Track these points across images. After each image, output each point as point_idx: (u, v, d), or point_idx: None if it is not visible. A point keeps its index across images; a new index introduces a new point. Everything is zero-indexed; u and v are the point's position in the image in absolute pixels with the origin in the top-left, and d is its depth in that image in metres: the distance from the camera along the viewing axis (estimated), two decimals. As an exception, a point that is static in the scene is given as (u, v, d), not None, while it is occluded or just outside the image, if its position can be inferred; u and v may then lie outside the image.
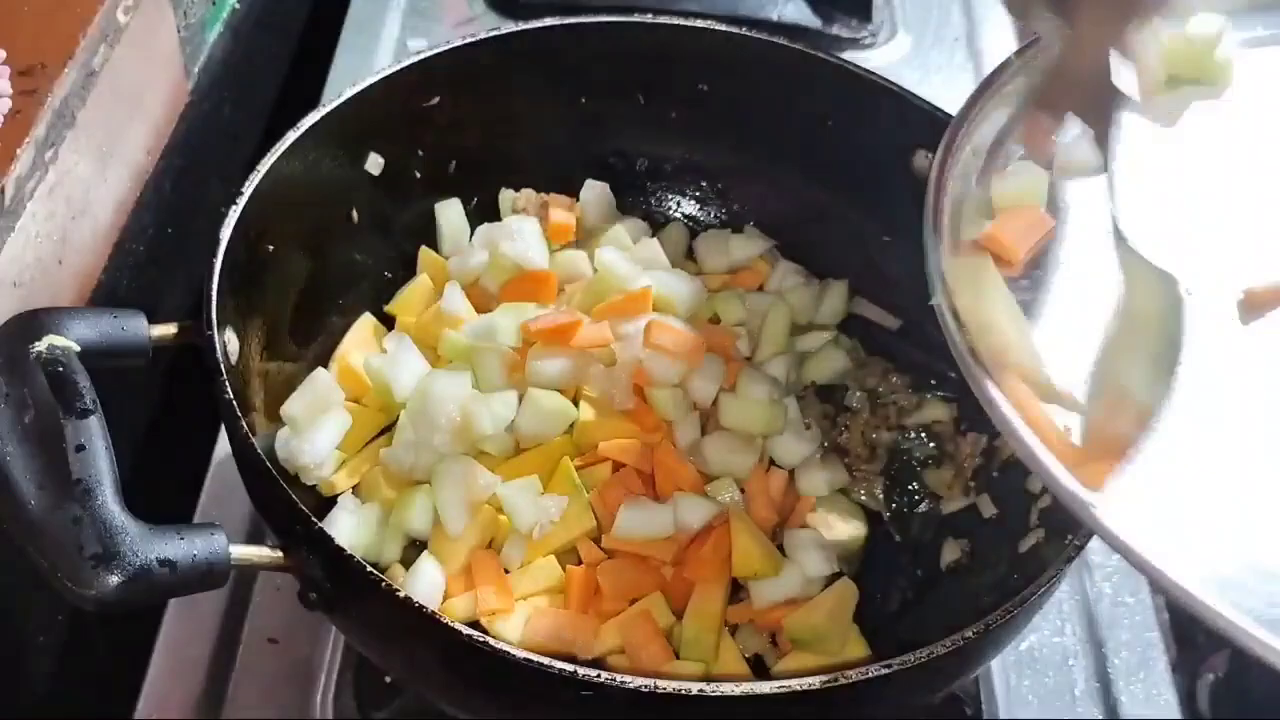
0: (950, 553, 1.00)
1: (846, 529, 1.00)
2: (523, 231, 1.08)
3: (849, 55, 1.16)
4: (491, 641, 0.72)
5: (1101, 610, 1.09)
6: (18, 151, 0.88)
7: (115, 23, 1.01)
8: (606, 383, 0.99)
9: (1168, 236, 0.79)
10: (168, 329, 0.85)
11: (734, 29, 1.10)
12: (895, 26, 1.56)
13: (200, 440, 1.14)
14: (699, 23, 1.11)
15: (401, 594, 0.74)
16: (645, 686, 0.71)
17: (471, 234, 1.13)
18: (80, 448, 0.71)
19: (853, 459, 1.05)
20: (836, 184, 1.14)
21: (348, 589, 0.77)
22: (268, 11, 1.40)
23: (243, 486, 0.88)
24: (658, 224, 1.19)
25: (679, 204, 1.22)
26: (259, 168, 0.93)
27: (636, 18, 1.12)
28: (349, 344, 1.05)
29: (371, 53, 1.47)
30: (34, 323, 0.78)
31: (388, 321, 1.09)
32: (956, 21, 1.58)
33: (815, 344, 1.11)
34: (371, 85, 1.02)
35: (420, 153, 1.11)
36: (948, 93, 1.02)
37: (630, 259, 1.10)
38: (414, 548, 0.96)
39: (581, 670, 0.72)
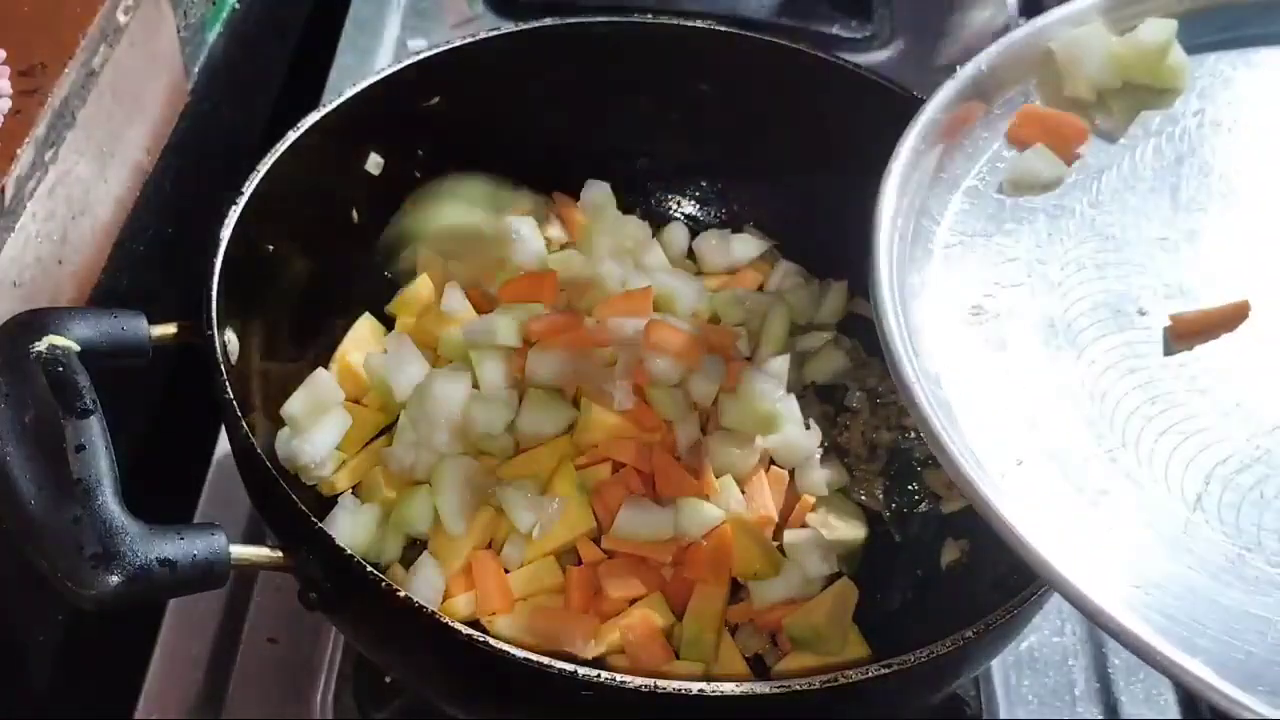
0: (950, 553, 1.00)
1: (846, 529, 1.00)
2: (522, 231, 1.09)
3: (849, 55, 1.16)
4: (491, 641, 0.72)
5: (1101, 610, 1.09)
6: (18, 151, 0.88)
7: (115, 23, 1.01)
8: (606, 383, 1.00)
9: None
10: (168, 329, 0.85)
11: (734, 29, 1.10)
12: (895, 27, 1.56)
13: (200, 440, 1.14)
14: (699, 23, 1.11)
15: (401, 594, 0.74)
16: (645, 686, 0.71)
17: (471, 234, 1.13)
18: (80, 448, 0.71)
19: (853, 459, 1.05)
20: (836, 184, 1.14)
21: (348, 589, 0.77)
22: (268, 11, 1.40)
23: (243, 486, 0.88)
24: (658, 224, 1.19)
25: (679, 204, 1.22)
26: (259, 168, 0.93)
27: (636, 18, 1.12)
28: (349, 344, 1.05)
29: (371, 53, 1.48)
30: (34, 322, 0.78)
31: (388, 321, 1.09)
32: (956, 21, 1.58)
33: (815, 344, 1.11)
34: (371, 85, 1.02)
35: (420, 153, 1.11)
36: (948, 93, 1.02)
37: (630, 259, 1.10)
38: (414, 548, 0.96)
39: (581, 670, 0.72)
